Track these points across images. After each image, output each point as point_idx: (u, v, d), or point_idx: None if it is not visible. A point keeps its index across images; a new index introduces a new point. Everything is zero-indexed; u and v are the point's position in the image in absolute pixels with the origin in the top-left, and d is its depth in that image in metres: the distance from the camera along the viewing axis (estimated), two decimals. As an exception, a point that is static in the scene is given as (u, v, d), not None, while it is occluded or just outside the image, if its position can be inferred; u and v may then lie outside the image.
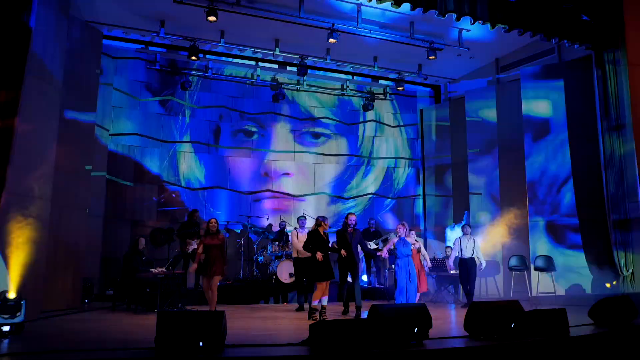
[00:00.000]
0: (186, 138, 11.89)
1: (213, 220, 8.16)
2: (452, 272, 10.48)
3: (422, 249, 9.27)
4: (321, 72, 12.44)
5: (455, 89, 13.13)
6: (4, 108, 6.31)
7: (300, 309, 8.94)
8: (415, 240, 9.01)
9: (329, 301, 8.01)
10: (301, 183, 12.75)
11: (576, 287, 9.76)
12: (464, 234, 9.64)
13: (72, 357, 4.77)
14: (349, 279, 8.22)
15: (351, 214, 8.39)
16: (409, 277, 8.17)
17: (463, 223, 10.58)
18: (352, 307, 8.28)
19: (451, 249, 11.22)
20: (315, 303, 7.54)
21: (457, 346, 5.34)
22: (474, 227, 11.39)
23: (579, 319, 6.64)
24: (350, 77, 12.85)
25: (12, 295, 6.02)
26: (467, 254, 9.49)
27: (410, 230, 8.89)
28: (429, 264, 9.37)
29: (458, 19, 8.72)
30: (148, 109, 11.57)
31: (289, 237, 9.16)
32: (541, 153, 10.43)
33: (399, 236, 8.35)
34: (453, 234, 11.71)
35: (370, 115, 13.46)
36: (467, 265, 9.48)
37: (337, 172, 13.10)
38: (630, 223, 9.12)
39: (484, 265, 9.53)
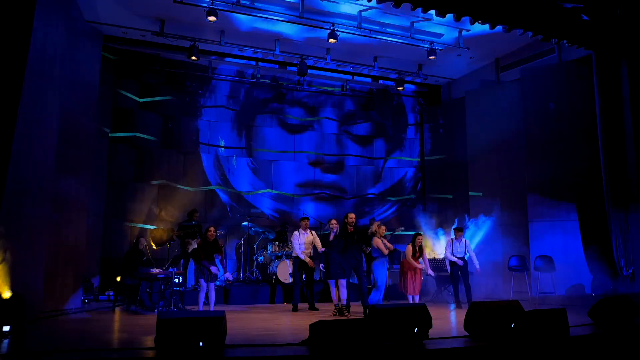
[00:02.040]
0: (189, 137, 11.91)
1: (212, 229, 8.25)
2: (449, 272, 10.48)
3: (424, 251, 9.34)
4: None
5: (455, 89, 13.12)
6: (4, 108, 6.30)
7: (295, 309, 8.96)
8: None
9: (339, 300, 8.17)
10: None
11: (576, 287, 9.76)
12: (455, 237, 9.64)
13: (72, 357, 4.77)
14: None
15: (351, 213, 8.52)
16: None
17: (454, 226, 10.51)
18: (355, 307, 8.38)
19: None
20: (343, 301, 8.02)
21: (457, 346, 5.34)
22: (474, 227, 11.41)
23: (579, 319, 6.64)
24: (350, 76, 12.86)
25: (7, 294, 6.02)
26: (458, 255, 9.49)
27: (418, 233, 9.14)
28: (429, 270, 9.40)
29: (458, 18, 8.71)
30: (149, 109, 11.57)
31: (292, 238, 9.19)
32: (541, 153, 10.43)
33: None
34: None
35: (369, 115, 13.47)
36: (458, 265, 9.47)
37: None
38: (630, 223, 9.13)
39: (477, 265, 9.51)
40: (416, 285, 8.99)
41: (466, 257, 9.50)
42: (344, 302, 8.11)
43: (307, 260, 8.96)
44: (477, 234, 11.35)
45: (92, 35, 9.54)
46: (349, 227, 8.19)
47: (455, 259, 9.40)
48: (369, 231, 8.50)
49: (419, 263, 9.02)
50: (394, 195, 13.39)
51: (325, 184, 12.96)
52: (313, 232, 9.26)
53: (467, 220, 11.68)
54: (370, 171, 13.37)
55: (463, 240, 9.61)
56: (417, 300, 8.94)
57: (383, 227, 8.48)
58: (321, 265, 8.34)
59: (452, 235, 9.73)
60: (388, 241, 8.64)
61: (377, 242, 8.25)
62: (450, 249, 9.55)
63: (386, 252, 8.31)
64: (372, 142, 13.50)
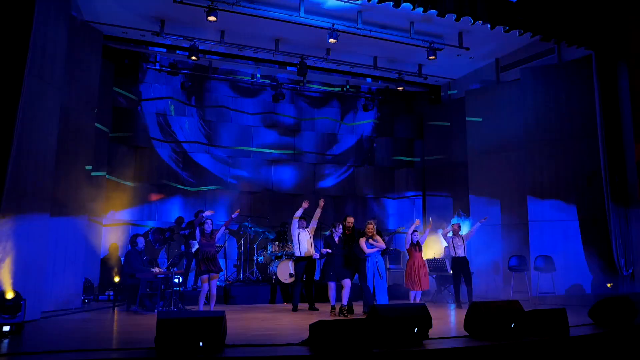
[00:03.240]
0: (184, 137, 11.89)
1: (209, 222, 8.26)
2: (451, 272, 10.46)
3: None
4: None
5: (455, 89, 13.12)
6: (4, 108, 6.30)
7: (295, 309, 8.97)
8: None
9: (336, 301, 8.22)
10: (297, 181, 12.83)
11: (576, 287, 9.76)
12: (454, 233, 9.60)
13: (72, 357, 4.77)
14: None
15: (349, 216, 8.74)
16: (378, 274, 8.25)
17: (453, 222, 10.35)
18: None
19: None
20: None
21: (457, 346, 5.34)
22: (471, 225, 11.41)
23: (579, 319, 6.64)
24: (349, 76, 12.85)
25: (9, 295, 6.02)
26: (460, 253, 9.47)
27: (415, 232, 9.13)
28: None
29: (458, 19, 8.71)
30: (148, 109, 11.57)
31: (292, 231, 9.22)
32: (541, 153, 10.43)
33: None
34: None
35: (370, 115, 13.47)
36: (461, 265, 9.44)
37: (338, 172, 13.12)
38: (630, 223, 9.13)
39: (477, 226, 9.61)
40: (422, 280, 8.87)
41: (467, 256, 9.48)
42: (345, 303, 8.14)
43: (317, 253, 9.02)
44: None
45: (92, 35, 9.52)
46: (346, 230, 8.41)
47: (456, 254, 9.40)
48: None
49: (421, 259, 8.98)
50: (393, 193, 13.38)
51: (325, 184, 12.95)
52: (309, 231, 9.26)
53: (459, 218, 11.68)
54: (370, 170, 13.36)
55: (461, 236, 9.58)
56: (419, 298, 8.93)
57: (369, 227, 8.45)
58: (323, 251, 8.39)
59: (450, 233, 9.69)
60: (383, 240, 8.64)
61: (361, 242, 8.29)
62: (450, 246, 9.51)
63: (367, 251, 8.22)
64: (371, 141, 13.50)
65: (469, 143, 12.00)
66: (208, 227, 8.21)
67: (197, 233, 8.18)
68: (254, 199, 12.27)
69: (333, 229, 8.43)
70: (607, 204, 9.29)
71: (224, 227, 8.48)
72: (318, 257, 8.90)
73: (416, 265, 8.91)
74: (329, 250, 8.32)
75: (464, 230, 10.00)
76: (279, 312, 8.85)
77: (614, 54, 9.50)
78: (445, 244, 10.30)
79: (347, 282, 8.17)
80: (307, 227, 9.23)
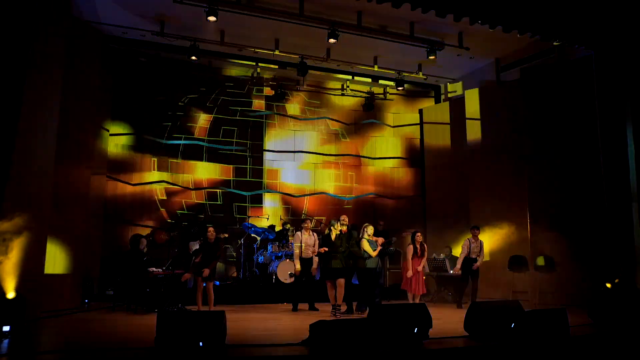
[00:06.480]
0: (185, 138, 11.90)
1: (211, 229, 8.23)
2: (452, 272, 10.46)
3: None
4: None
5: (455, 89, 13.12)
6: (6, 107, 6.31)
7: (295, 309, 8.98)
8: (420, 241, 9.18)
9: (335, 300, 8.23)
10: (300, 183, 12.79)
11: (576, 287, 9.75)
12: (473, 236, 9.60)
13: (72, 357, 4.77)
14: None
15: (343, 215, 8.79)
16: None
17: (472, 226, 10.38)
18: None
19: (450, 249, 11.25)
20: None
21: (457, 346, 5.34)
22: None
23: (579, 319, 6.64)
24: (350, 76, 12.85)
25: (10, 295, 6.03)
26: (474, 255, 9.47)
27: (416, 232, 9.23)
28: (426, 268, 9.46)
29: (457, 19, 8.71)
30: (148, 109, 11.57)
31: (294, 239, 9.23)
32: (542, 153, 10.43)
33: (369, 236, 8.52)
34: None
35: (370, 115, 13.47)
36: (471, 265, 9.43)
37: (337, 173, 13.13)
38: (630, 223, 9.13)
39: (479, 262, 9.51)
40: (419, 283, 8.98)
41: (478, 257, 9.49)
42: (339, 302, 8.12)
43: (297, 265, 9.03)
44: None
45: (92, 35, 9.53)
46: (342, 228, 8.39)
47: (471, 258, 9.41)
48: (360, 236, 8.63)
49: (419, 264, 9.02)
50: (395, 195, 13.38)
51: (326, 184, 12.95)
52: (314, 234, 9.30)
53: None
54: (371, 171, 13.36)
55: (479, 239, 9.58)
56: (417, 299, 8.95)
57: (370, 228, 8.61)
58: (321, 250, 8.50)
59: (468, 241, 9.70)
60: (389, 241, 8.73)
61: (364, 243, 8.44)
62: (467, 249, 9.50)
63: (374, 253, 8.40)
64: (372, 142, 13.50)
65: (468, 143, 11.99)
66: (211, 235, 8.18)
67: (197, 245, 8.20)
68: (252, 198, 12.28)
69: (331, 228, 8.42)
70: (607, 203, 9.28)
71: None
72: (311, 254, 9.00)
73: (418, 270, 8.95)
74: (326, 249, 8.33)
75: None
76: (279, 312, 8.85)
77: (614, 54, 9.49)
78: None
79: (341, 282, 8.15)
80: (310, 228, 9.31)
